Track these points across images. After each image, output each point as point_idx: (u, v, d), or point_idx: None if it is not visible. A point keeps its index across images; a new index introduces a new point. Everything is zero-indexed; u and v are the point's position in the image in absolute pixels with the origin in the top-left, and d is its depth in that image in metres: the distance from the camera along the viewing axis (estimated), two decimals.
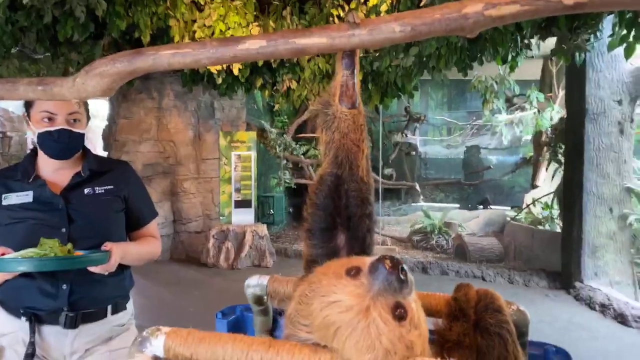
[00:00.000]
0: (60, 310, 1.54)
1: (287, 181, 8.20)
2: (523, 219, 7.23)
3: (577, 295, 5.17)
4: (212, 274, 6.17)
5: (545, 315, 4.71)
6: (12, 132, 8.93)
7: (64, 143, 1.59)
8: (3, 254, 1.42)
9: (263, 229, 6.65)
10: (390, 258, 0.63)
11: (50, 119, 1.56)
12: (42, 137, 1.57)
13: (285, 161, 8.23)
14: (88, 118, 1.70)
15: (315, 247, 0.83)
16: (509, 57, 4.75)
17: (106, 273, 1.55)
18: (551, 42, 4.90)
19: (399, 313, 0.61)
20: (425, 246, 7.47)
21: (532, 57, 4.80)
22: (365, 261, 0.65)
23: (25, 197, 1.57)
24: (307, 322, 0.66)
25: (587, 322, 4.50)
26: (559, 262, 5.75)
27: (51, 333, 1.55)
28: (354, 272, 0.65)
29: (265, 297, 1.06)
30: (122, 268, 1.66)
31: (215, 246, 6.51)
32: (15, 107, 8.94)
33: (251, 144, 6.91)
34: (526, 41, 4.73)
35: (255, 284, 1.05)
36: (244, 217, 6.72)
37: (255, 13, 5.14)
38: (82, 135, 1.65)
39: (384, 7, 4.15)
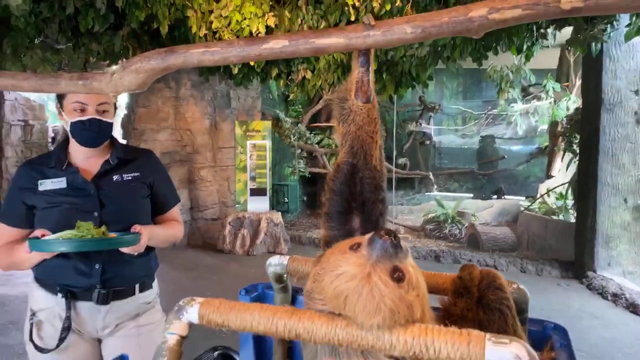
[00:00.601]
0: (94, 288, 1.65)
1: (302, 170, 8.30)
2: (537, 209, 7.23)
3: (589, 285, 5.20)
4: (228, 260, 6.32)
5: (557, 303, 4.76)
6: (34, 120, 9.17)
7: (95, 132, 1.70)
8: (43, 235, 1.54)
9: (278, 216, 6.77)
10: (385, 229, 0.71)
11: (82, 109, 1.67)
12: (74, 126, 1.68)
13: (299, 150, 8.32)
14: (115, 108, 1.80)
15: (333, 229, 0.92)
16: (524, 47, 4.75)
17: (135, 253, 1.66)
18: (568, 31, 4.87)
19: (397, 276, 0.69)
20: (438, 235, 7.52)
21: (548, 46, 4.77)
22: (366, 237, 0.74)
23: (59, 183, 1.68)
24: (321, 296, 0.75)
25: (599, 311, 4.54)
26: (572, 252, 5.76)
27: (85, 309, 1.67)
28: (355, 247, 0.73)
29: (285, 276, 1.15)
30: (148, 250, 1.77)
31: (232, 233, 6.65)
32: (36, 96, 9.16)
33: (266, 133, 7.01)
34: (542, 31, 4.72)
35: (276, 263, 1.14)
36: (259, 205, 6.85)
37: (270, 3, 5.19)
38: (111, 124, 1.75)
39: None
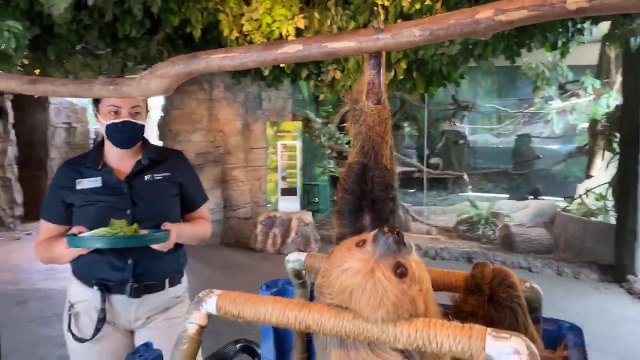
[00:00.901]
0: (126, 282, 1.74)
1: (332, 170, 8.33)
2: (575, 210, 7.00)
3: (630, 289, 5.00)
4: (260, 259, 6.43)
5: (594, 308, 4.61)
6: (77, 123, 9.60)
7: (128, 133, 1.79)
8: (80, 232, 1.63)
9: (308, 216, 6.83)
10: (389, 227, 0.74)
11: (116, 112, 1.76)
12: (109, 128, 1.77)
13: (329, 150, 8.36)
14: (147, 111, 1.89)
15: (345, 226, 0.95)
16: (559, 43, 4.62)
17: (165, 250, 1.74)
18: (606, 26, 4.71)
19: (400, 271, 0.72)
20: (471, 236, 7.39)
21: (584, 42, 4.62)
22: (371, 234, 0.76)
23: (95, 182, 1.78)
24: (329, 291, 0.78)
25: (639, 316, 4.36)
26: (612, 254, 5.56)
27: (119, 301, 1.76)
28: (361, 244, 0.76)
29: (304, 272, 1.19)
30: (177, 247, 1.85)
31: (263, 232, 6.76)
32: (79, 100, 9.58)
33: (297, 134, 7.09)
34: (578, 26, 4.58)
35: (294, 259, 1.18)
36: (290, 205, 6.93)
37: (300, 5, 5.25)
38: (143, 126, 1.84)
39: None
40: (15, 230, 8.10)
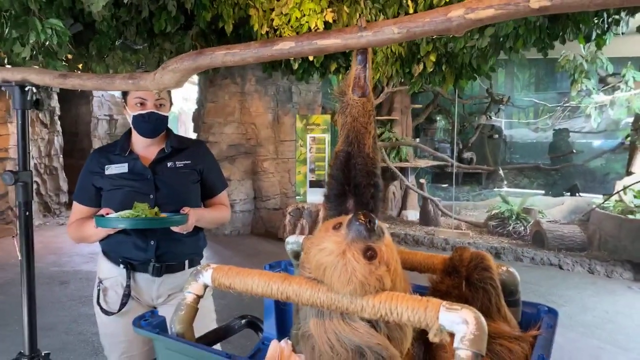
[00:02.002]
0: (149, 261, 1.88)
1: None
2: (612, 207, 6.77)
3: None
4: None
5: (625, 306, 4.49)
6: (118, 115, 10.02)
7: (153, 123, 1.92)
8: (107, 214, 1.78)
9: None
10: (362, 213, 0.81)
11: (142, 104, 1.90)
12: (135, 118, 1.91)
13: None
14: (171, 104, 2.02)
15: (331, 209, 1.03)
16: (594, 35, 4.49)
17: (184, 232, 1.87)
18: None
19: (370, 254, 0.79)
20: (501, 232, 7.28)
21: (621, 33, 4.47)
22: (347, 218, 0.84)
23: (122, 168, 1.93)
24: (308, 266, 0.87)
25: None
26: None
27: (142, 279, 1.91)
28: (337, 226, 0.84)
29: (302, 253, 1.28)
30: (197, 230, 1.98)
31: (291, 223, 6.90)
32: (119, 93, 10.01)
33: (326, 127, 7.17)
34: (616, 17, 4.43)
35: (293, 241, 1.27)
36: (317, 197, 7.03)
37: None
38: (167, 117, 1.97)
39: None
40: (60, 216, 8.59)
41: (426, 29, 0.90)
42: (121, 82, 1.33)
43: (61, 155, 8.75)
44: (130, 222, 1.69)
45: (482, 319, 0.72)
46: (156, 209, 1.79)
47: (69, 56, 5.62)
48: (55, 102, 8.49)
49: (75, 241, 1.99)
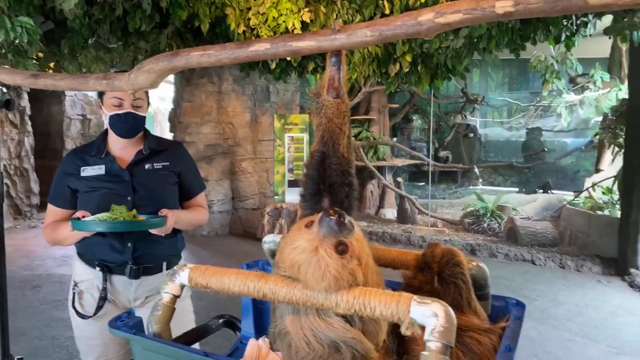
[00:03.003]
0: (126, 264, 1.86)
1: None
2: (582, 204, 6.98)
3: (631, 282, 5.02)
4: None
5: (594, 299, 4.64)
6: (91, 114, 9.82)
7: (130, 123, 1.90)
8: (83, 217, 1.76)
9: None
10: (332, 209, 0.83)
11: (119, 104, 1.87)
12: (112, 118, 1.89)
13: None
14: (148, 104, 2.00)
15: (306, 208, 1.05)
16: (563, 37, 4.62)
17: (163, 234, 1.86)
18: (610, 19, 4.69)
19: (341, 249, 0.82)
20: (476, 229, 7.43)
21: (588, 35, 4.61)
22: (318, 216, 0.86)
23: (98, 169, 1.90)
24: (283, 265, 0.88)
25: (638, 309, 4.39)
26: (616, 248, 5.57)
27: (119, 282, 1.89)
28: (309, 224, 0.86)
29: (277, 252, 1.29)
30: (175, 232, 1.97)
31: (270, 222, 6.89)
32: (94, 92, 9.80)
33: (304, 126, 7.18)
34: (584, 19, 4.57)
35: (270, 240, 1.29)
36: (296, 196, 7.03)
37: None
38: (144, 117, 1.95)
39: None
40: (32, 218, 8.37)
41: (397, 32, 0.93)
42: (95, 83, 1.32)
43: (32, 156, 8.53)
44: (107, 225, 1.67)
45: (451, 312, 0.75)
46: (134, 211, 1.77)
47: (40, 55, 5.50)
48: (25, 102, 8.27)
49: (51, 244, 1.95)
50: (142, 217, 1.81)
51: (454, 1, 0.87)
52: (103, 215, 1.74)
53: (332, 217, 0.82)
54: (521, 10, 0.81)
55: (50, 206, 1.94)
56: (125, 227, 1.73)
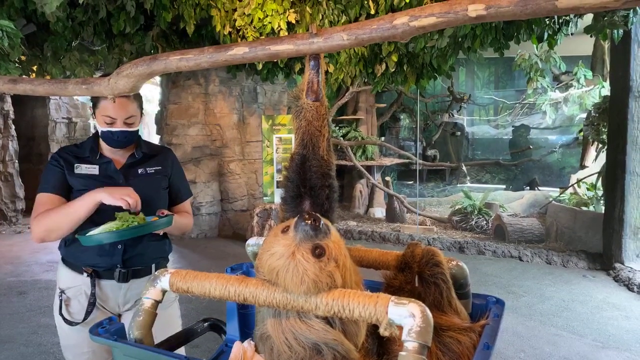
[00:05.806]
0: (115, 267, 1.85)
1: None
2: (567, 200, 7.08)
3: (616, 277, 5.10)
4: None
5: (580, 294, 4.71)
6: (77, 118, 9.71)
7: (122, 141, 1.88)
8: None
9: None
10: (307, 213, 0.84)
11: (111, 122, 1.83)
12: (104, 134, 1.85)
13: None
14: (142, 114, 1.96)
15: (287, 211, 1.05)
16: (546, 35, 4.68)
17: (161, 233, 1.87)
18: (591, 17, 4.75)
19: (318, 252, 0.82)
20: (464, 227, 7.49)
21: (571, 34, 4.67)
22: (293, 221, 0.87)
23: (93, 169, 1.86)
24: (262, 271, 0.89)
25: (622, 303, 4.46)
26: (601, 243, 5.65)
27: (108, 286, 1.87)
28: (286, 230, 0.86)
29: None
30: (163, 235, 1.96)
31: (259, 224, 6.87)
32: (87, 98, 9.69)
33: (292, 127, 7.18)
34: (566, 17, 4.63)
35: (253, 243, 1.28)
36: None
37: (292, 0, 5.32)
38: (137, 131, 1.92)
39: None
40: (17, 224, 8.26)
41: (373, 36, 0.94)
42: (74, 87, 1.31)
43: (17, 161, 8.41)
44: (122, 234, 1.62)
45: (428, 311, 0.76)
46: (142, 214, 1.74)
47: (23, 58, 5.42)
48: (9, 105, 8.15)
49: (42, 237, 1.76)
50: (154, 218, 1.78)
51: (429, 5, 0.88)
52: (113, 225, 1.67)
53: (307, 222, 0.83)
54: (493, 13, 0.83)
55: (40, 195, 1.82)
56: (138, 231, 1.68)
